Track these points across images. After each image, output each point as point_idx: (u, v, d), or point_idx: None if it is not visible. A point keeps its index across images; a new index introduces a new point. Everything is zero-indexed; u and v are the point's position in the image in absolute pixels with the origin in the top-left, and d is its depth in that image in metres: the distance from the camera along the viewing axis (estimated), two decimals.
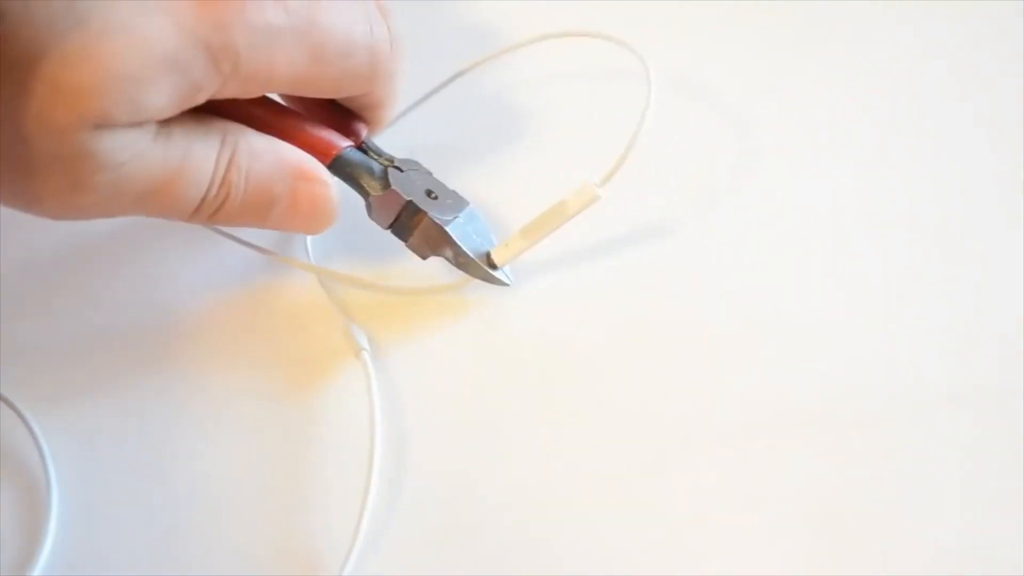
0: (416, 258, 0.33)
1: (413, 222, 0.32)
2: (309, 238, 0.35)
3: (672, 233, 0.36)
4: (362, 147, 0.33)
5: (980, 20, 0.40)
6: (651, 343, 0.33)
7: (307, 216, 0.31)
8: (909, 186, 0.36)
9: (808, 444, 0.30)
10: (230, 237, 0.34)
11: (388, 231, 0.33)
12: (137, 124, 0.26)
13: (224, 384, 0.33)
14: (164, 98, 0.26)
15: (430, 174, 0.34)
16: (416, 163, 0.34)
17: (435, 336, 0.33)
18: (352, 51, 0.29)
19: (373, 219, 0.33)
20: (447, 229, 0.32)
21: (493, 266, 0.33)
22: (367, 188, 0.32)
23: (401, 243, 0.33)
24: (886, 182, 0.36)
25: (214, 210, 0.29)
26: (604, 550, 0.29)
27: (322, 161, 0.31)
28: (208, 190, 0.28)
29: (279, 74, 0.28)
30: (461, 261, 0.33)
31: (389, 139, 0.35)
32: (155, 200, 0.28)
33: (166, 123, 0.27)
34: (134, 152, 0.26)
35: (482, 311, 0.34)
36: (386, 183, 0.32)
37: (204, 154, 0.28)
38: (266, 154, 0.29)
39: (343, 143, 0.32)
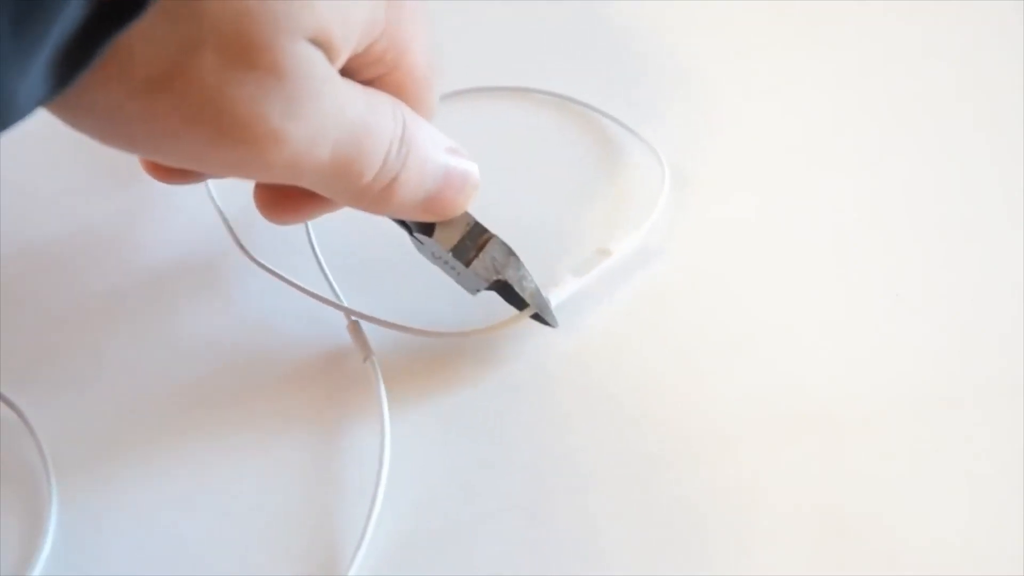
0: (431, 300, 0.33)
1: (479, 243, 0.31)
2: (330, 270, 0.34)
3: (673, 232, 0.36)
4: None
5: (980, 20, 0.40)
6: (650, 343, 0.33)
7: (455, 192, 0.29)
8: (909, 186, 0.36)
9: (808, 444, 0.30)
10: (257, 263, 0.34)
11: (443, 257, 0.31)
12: (339, 52, 0.24)
13: (225, 384, 0.33)
14: (362, 22, 0.24)
15: (443, 255, 0.32)
16: None
17: (447, 362, 0.33)
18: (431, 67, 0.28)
19: (425, 249, 0.31)
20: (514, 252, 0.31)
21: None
22: None
23: (418, 280, 0.33)
24: (886, 182, 0.36)
25: (388, 182, 0.27)
26: (605, 551, 0.29)
27: None
28: (388, 152, 0.26)
29: (411, 56, 0.26)
30: (526, 285, 0.32)
31: None
32: (346, 155, 0.25)
33: (346, 87, 0.25)
34: (337, 88, 0.24)
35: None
36: None
37: (383, 114, 0.26)
38: (425, 128, 0.28)
39: None
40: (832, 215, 0.36)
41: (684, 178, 0.37)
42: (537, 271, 0.32)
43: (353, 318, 0.33)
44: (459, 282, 0.32)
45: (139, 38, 0.21)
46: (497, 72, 0.40)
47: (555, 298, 0.33)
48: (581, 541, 0.29)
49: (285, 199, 0.29)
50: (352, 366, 0.33)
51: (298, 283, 0.33)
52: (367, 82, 0.27)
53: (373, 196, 0.27)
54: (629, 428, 0.31)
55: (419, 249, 0.32)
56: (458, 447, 0.31)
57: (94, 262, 0.36)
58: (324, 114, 0.24)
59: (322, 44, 0.24)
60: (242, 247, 0.34)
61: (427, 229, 0.30)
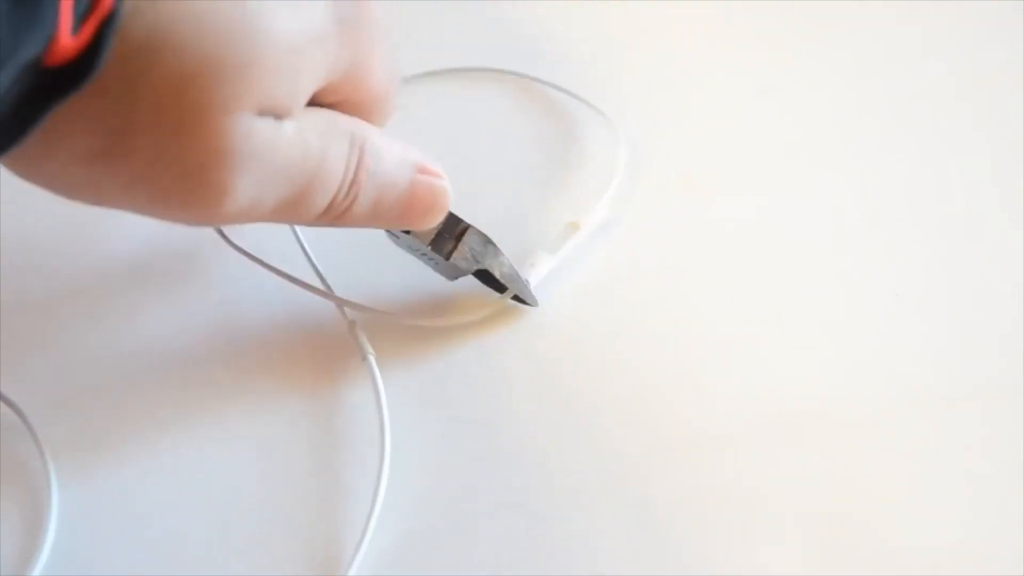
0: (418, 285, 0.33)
1: (456, 234, 0.31)
2: (322, 265, 0.34)
3: (672, 232, 0.36)
4: None
5: (980, 20, 0.40)
6: (650, 343, 0.33)
7: (424, 210, 0.29)
8: (909, 186, 0.36)
9: (806, 444, 0.30)
10: (253, 258, 0.34)
11: (421, 250, 0.32)
12: (290, 110, 0.25)
13: (226, 385, 0.33)
14: (313, 75, 0.25)
15: (421, 247, 0.32)
16: None
17: (442, 353, 0.33)
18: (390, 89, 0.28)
19: (402, 243, 0.32)
20: (492, 241, 0.32)
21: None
22: None
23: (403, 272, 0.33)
24: (886, 182, 0.36)
25: (340, 213, 0.27)
26: (606, 550, 0.29)
27: None
28: (338, 193, 0.27)
29: (370, 80, 0.27)
30: (505, 272, 0.32)
31: None
32: (291, 205, 0.26)
33: (301, 123, 0.25)
34: (284, 149, 0.25)
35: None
36: None
37: (337, 155, 0.26)
38: (388, 152, 0.28)
39: None
40: (832, 215, 0.36)
41: (647, 149, 0.37)
42: (510, 250, 0.33)
43: (351, 319, 0.33)
44: (438, 270, 0.33)
45: (77, 114, 0.21)
46: (454, 54, 0.40)
47: (534, 277, 0.33)
48: (581, 539, 0.29)
49: None
50: (349, 363, 0.33)
51: (287, 272, 0.33)
52: (328, 105, 0.27)
53: (328, 222, 0.28)
54: (623, 425, 0.31)
55: (396, 243, 0.32)
56: (457, 443, 0.31)
57: (94, 261, 0.36)
58: (266, 175, 0.25)
59: (268, 111, 0.24)
60: (234, 245, 0.34)
61: (394, 235, 0.32)
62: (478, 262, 0.32)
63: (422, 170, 0.29)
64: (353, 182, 0.27)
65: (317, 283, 0.34)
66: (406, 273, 0.34)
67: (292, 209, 0.26)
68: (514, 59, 0.40)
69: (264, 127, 0.24)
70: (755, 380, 0.32)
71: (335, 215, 0.27)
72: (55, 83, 0.20)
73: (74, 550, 0.30)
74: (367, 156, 0.27)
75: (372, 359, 0.32)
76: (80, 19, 0.20)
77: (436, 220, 0.30)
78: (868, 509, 0.29)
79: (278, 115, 0.25)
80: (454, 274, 0.33)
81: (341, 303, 0.33)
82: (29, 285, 0.35)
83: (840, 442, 0.30)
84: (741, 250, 0.35)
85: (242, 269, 0.34)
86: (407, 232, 0.31)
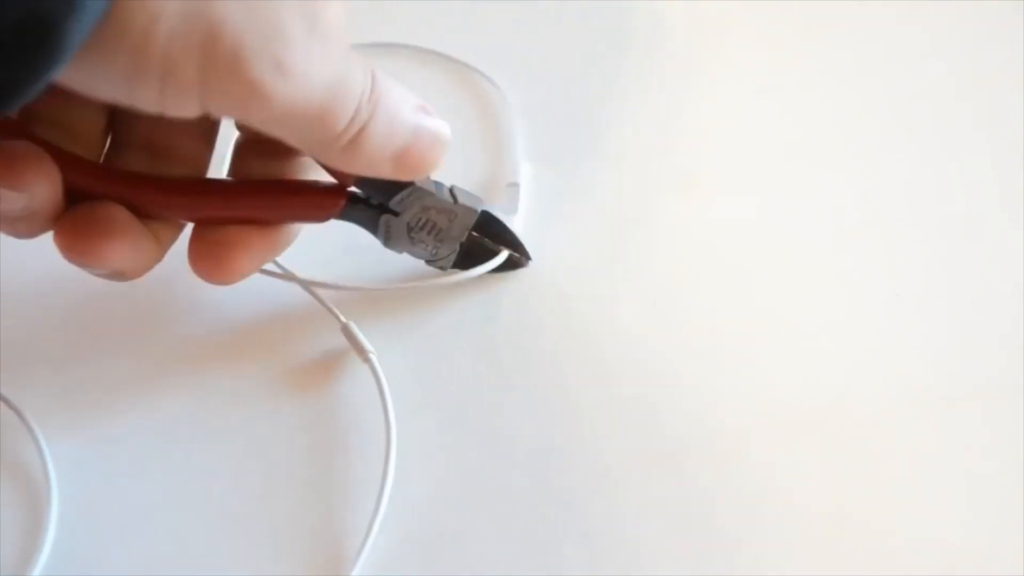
0: (395, 261, 0.33)
1: (447, 214, 0.32)
2: (306, 258, 0.34)
3: (672, 233, 0.36)
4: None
5: (980, 20, 0.40)
6: (650, 343, 0.33)
7: (427, 148, 0.30)
8: (909, 186, 0.36)
9: (806, 444, 0.30)
10: None
11: (416, 228, 0.32)
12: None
13: (226, 386, 0.33)
14: None
15: (432, 194, 0.32)
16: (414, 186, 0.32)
17: (439, 333, 0.33)
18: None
19: (398, 232, 0.32)
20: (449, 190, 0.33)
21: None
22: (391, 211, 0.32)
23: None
24: (886, 182, 0.36)
25: (358, 129, 0.28)
26: (607, 550, 0.29)
27: (337, 206, 0.31)
28: (360, 103, 0.28)
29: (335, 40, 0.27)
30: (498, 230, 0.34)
31: None
32: (329, 99, 0.27)
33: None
34: (323, 39, 0.26)
35: (476, 301, 0.34)
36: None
37: (356, 66, 0.28)
38: (392, 83, 0.29)
39: (343, 189, 0.31)
40: (832, 215, 0.36)
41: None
42: None
43: (344, 320, 0.33)
44: (434, 258, 0.33)
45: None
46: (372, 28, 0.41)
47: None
48: (585, 539, 0.29)
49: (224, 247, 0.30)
50: (349, 362, 0.33)
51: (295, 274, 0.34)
52: None
53: (344, 145, 0.28)
54: (626, 425, 0.31)
55: (388, 244, 0.32)
56: (461, 439, 0.31)
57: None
58: (315, 60, 0.26)
59: None
60: None
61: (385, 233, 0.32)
62: (469, 228, 0.33)
63: (424, 109, 0.30)
64: (372, 94, 0.28)
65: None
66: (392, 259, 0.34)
67: (328, 109, 0.27)
68: (414, 33, 0.40)
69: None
70: (754, 380, 0.32)
71: (355, 132, 0.28)
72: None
73: (74, 550, 0.30)
74: (378, 83, 0.28)
75: (374, 358, 0.32)
76: None
77: (435, 162, 0.30)
78: (868, 509, 0.29)
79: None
80: (450, 251, 0.33)
81: (314, 285, 0.34)
82: (29, 285, 0.35)
83: (840, 442, 0.30)
84: (740, 250, 0.35)
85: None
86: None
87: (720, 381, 0.32)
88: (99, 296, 0.35)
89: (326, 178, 0.31)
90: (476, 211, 0.33)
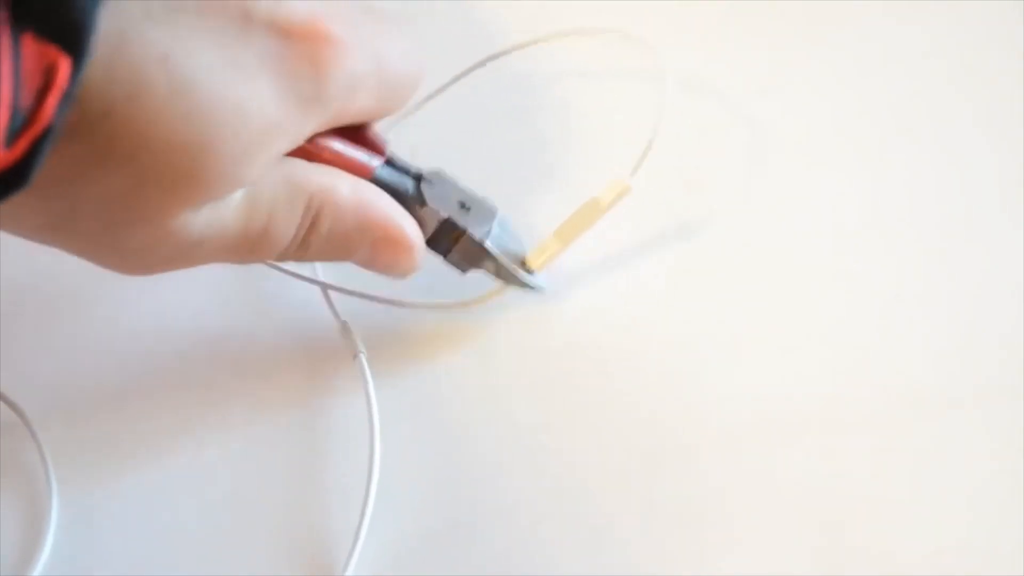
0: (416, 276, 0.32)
1: (451, 238, 0.31)
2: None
3: (671, 233, 0.36)
4: (389, 161, 0.31)
5: (980, 20, 0.40)
6: (650, 344, 0.33)
7: (384, 270, 0.30)
8: (909, 186, 0.36)
9: (806, 444, 0.30)
10: None
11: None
12: (240, 187, 0.25)
13: (225, 386, 0.33)
14: (261, 166, 0.25)
15: (456, 184, 0.32)
16: (440, 172, 0.32)
17: (433, 347, 0.33)
18: (412, 82, 0.28)
19: None
20: (487, 245, 0.32)
21: (529, 271, 0.33)
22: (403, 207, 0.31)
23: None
24: (886, 182, 0.36)
25: (293, 258, 0.28)
26: (604, 551, 0.29)
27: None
28: (287, 249, 0.27)
29: (352, 114, 0.27)
30: (503, 274, 0.33)
31: (398, 137, 0.34)
32: (232, 258, 0.27)
33: (256, 188, 0.26)
34: (220, 226, 0.25)
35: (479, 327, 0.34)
36: (422, 200, 0.31)
37: (287, 220, 0.27)
38: (350, 215, 0.28)
39: (373, 162, 0.30)
40: (833, 215, 0.36)
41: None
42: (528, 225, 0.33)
43: (343, 319, 0.33)
44: (448, 263, 0.33)
45: (27, 200, 0.22)
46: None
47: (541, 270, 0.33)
48: (581, 542, 0.29)
49: None
50: (343, 364, 0.33)
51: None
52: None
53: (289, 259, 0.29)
54: (622, 424, 0.31)
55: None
56: (450, 442, 0.31)
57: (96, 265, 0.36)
58: (205, 251, 0.26)
59: (210, 201, 0.25)
60: None
61: None
62: (473, 266, 0.32)
63: (387, 239, 0.29)
64: (302, 243, 0.28)
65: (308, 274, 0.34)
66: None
67: (236, 258, 0.27)
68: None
69: (207, 212, 0.25)
70: (753, 381, 0.32)
71: (287, 258, 0.28)
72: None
73: (74, 550, 0.30)
74: (323, 219, 0.27)
75: (363, 358, 0.32)
76: (15, 134, 0.20)
77: (403, 271, 0.30)
78: (868, 509, 0.29)
79: (221, 197, 0.25)
80: (461, 269, 0.33)
81: (328, 287, 0.34)
82: (29, 285, 0.35)
83: (839, 442, 0.30)
84: (739, 250, 0.35)
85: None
86: None
87: (717, 381, 0.32)
88: (100, 295, 0.35)
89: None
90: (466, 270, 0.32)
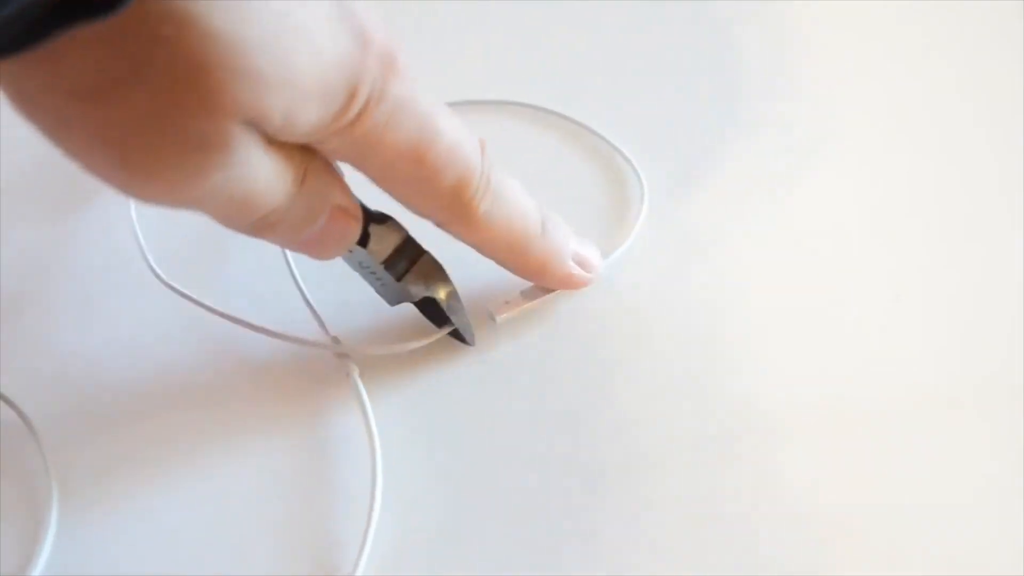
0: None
1: (411, 257, 0.31)
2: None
3: (671, 234, 0.36)
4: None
5: (980, 20, 0.40)
6: (646, 347, 0.33)
7: (331, 244, 0.30)
8: (909, 186, 0.36)
9: (805, 444, 0.30)
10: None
11: (371, 268, 0.31)
12: (267, 139, 0.25)
13: (225, 387, 0.33)
14: (306, 123, 0.25)
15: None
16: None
17: (426, 352, 0.33)
18: (454, 169, 0.28)
19: (352, 258, 0.31)
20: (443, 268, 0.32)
21: (492, 318, 0.33)
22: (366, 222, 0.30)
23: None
24: (886, 182, 0.36)
25: (268, 226, 0.28)
26: (604, 551, 0.29)
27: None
28: (271, 212, 0.27)
29: (379, 152, 0.27)
30: (452, 304, 0.32)
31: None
32: (234, 210, 0.26)
33: (286, 162, 0.26)
34: (251, 164, 0.25)
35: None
36: (383, 216, 0.31)
37: (283, 179, 0.27)
38: (326, 191, 0.28)
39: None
40: (832, 215, 0.36)
41: (664, 186, 0.37)
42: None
43: (333, 334, 0.33)
44: (380, 292, 0.32)
45: (91, 46, 0.21)
46: (478, 85, 0.41)
47: (500, 318, 0.33)
48: (582, 543, 0.29)
49: None
50: (338, 381, 0.33)
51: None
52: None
53: (255, 234, 0.28)
54: (621, 424, 0.31)
55: (345, 258, 0.31)
56: (448, 448, 0.31)
57: (91, 262, 0.36)
58: (223, 182, 0.25)
59: (258, 127, 0.24)
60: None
61: (361, 240, 0.30)
62: (428, 289, 0.32)
63: (343, 209, 0.29)
64: (288, 208, 0.27)
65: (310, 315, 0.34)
66: (344, 294, 0.34)
67: (236, 213, 0.27)
68: (528, 91, 0.40)
69: (253, 147, 0.25)
70: (753, 381, 0.32)
71: (264, 226, 0.28)
72: (85, 6, 0.21)
73: (74, 550, 0.30)
74: (309, 181, 0.28)
75: (356, 376, 0.32)
76: None
77: (332, 254, 0.30)
78: (868, 509, 0.29)
79: (270, 138, 0.25)
80: (397, 299, 0.32)
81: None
82: (30, 286, 0.35)
83: (839, 442, 0.30)
84: (738, 251, 0.35)
85: (240, 274, 0.34)
86: (363, 246, 0.30)
87: (717, 382, 0.32)
88: (99, 295, 0.35)
89: None
90: (410, 299, 0.32)
